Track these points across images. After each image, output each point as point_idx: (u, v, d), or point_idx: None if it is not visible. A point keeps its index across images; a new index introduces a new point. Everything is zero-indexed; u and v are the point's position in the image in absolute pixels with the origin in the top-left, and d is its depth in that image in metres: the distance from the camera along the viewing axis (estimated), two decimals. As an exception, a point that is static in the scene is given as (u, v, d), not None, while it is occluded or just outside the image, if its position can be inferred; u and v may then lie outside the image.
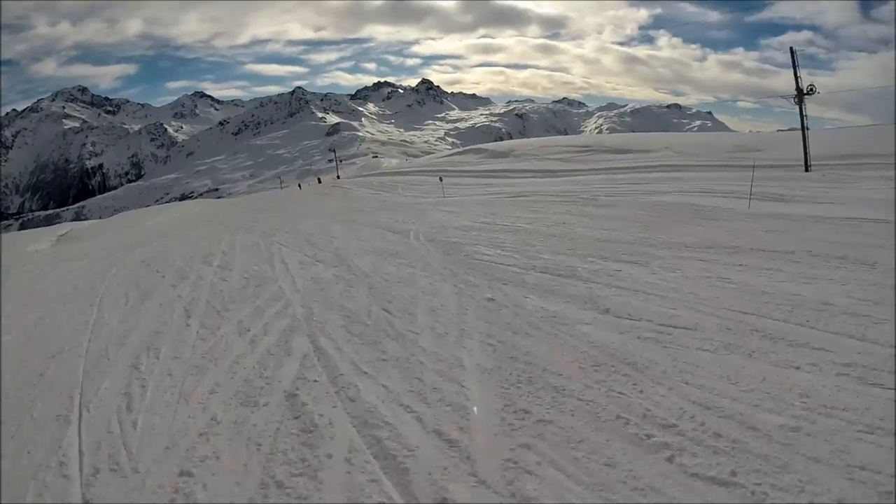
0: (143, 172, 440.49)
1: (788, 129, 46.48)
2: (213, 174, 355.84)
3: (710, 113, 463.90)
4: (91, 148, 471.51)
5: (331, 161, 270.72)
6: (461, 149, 69.28)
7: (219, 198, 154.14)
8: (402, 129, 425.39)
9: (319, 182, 79.03)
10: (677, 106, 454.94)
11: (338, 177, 79.42)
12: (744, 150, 34.10)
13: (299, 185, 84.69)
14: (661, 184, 23.66)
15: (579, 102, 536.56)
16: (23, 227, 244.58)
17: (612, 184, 25.68)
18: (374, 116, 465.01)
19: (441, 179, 30.12)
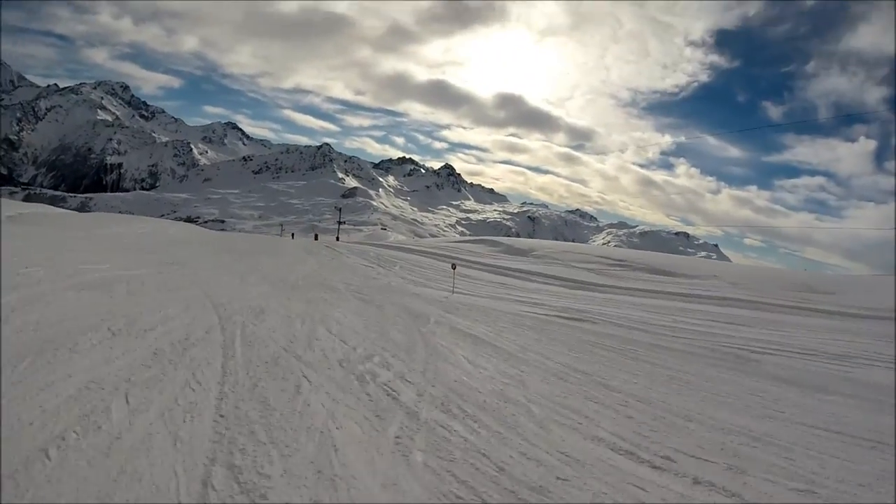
0: (157, 184, 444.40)
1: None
2: (223, 205, 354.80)
3: (716, 245, 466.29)
4: (116, 145, 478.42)
5: (340, 222, 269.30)
6: (473, 237, 63.77)
7: (221, 230, 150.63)
8: (415, 208, 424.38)
9: (315, 239, 75.09)
10: (685, 234, 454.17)
11: (337, 238, 75.38)
12: (812, 290, 28.32)
13: (292, 235, 79.86)
14: (745, 327, 17.47)
15: (591, 216, 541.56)
16: (27, 199, 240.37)
17: (685, 315, 19.26)
18: (391, 189, 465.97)
19: (454, 267, 24.00)
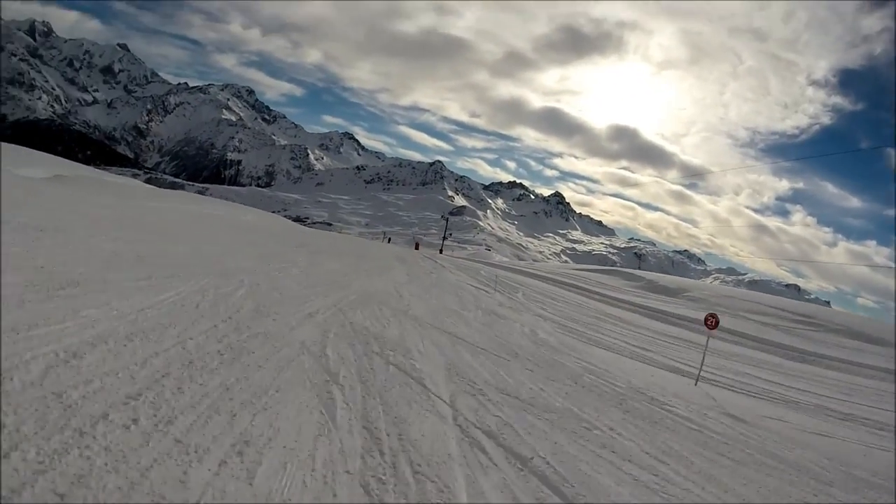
0: (272, 183, 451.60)
1: None
2: (332, 209, 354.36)
3: (828, 302, 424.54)
4: (237, 143, 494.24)
5: (446, 236, 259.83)
6: (599, 267, 50.83)
7: (328, 229, 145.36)
8: (521, 233, 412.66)
9: (416, 248, 67.65)
10: (796, 287, 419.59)
11: (440, 251, 69.79)
12: None
13: (388, 239, 72.53)
14: None
15: (699, 258, 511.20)
16: (149, 181, 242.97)
17: None
18: (499, 212, 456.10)
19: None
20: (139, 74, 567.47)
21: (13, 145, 47.84)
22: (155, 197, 31.71)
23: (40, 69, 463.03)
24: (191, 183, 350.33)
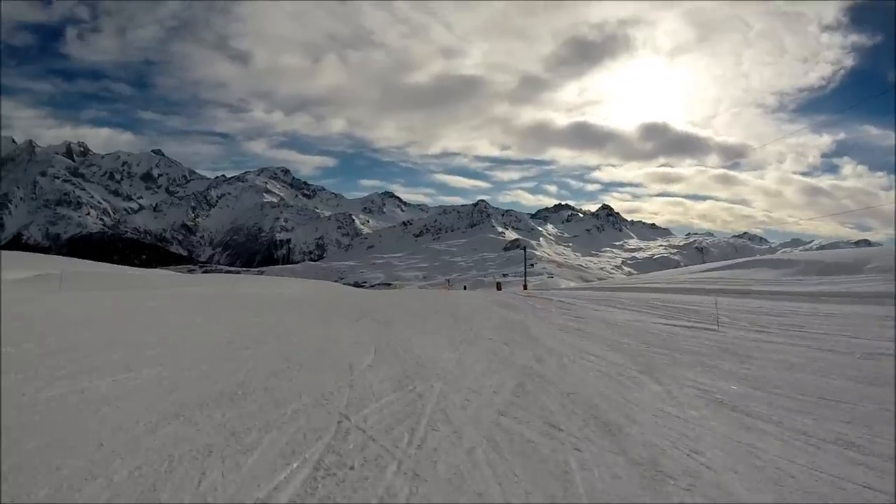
0: (325, 254, 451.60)
1: None
2: (387, 269, 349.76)
3: None
4: (283, 223, 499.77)
5: (505, 275, 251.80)
6: (736, 261, 40.64)
7: (387, 288, 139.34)
8: (578, 253, 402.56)
9: (499, 289, 59.20)
10: (867, 242, 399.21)
11: (525, 287, 60.39)
12: None
13: (464, 287, 64.88)
14: None
15: (760, 238, 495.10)
16: (205, 272, 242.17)
17: None
18: (552, 237, 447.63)
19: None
20: (178, 175, 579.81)
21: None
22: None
23: (84, 187, 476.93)
24: (246, 269, 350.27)
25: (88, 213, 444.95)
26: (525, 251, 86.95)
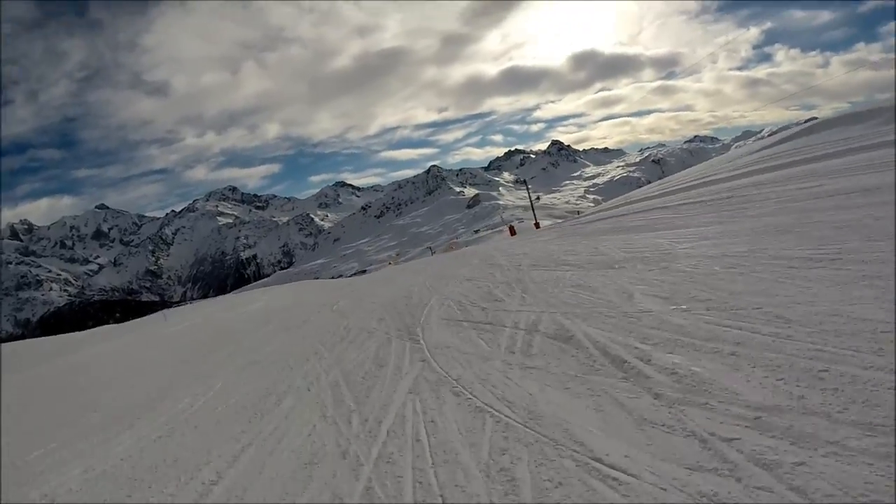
0: (293, 260, 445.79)
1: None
2: (359, 256, 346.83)
3: None
4: (244, 241, 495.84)
5: (477, 231, 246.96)
6: (798, 127, 34.62)
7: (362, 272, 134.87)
8: (540, 193, 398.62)
9: (512, 233, 53.40)
10: (814, 119, 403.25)
11: (537, 224, 54.89)
12: None
13: (431, 251, 59.92)
14: None
15: (711, 138, 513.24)
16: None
17: None
18: (510, 185, 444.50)
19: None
20: (128, 224, 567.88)
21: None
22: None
23: (39, 263, 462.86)
24: (222, 297, 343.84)
25: (51, 289, 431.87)
26: (527, 185, 79.99)
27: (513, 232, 54.42)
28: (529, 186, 73.98)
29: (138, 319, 44.28)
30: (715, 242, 10.52)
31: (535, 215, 65.11)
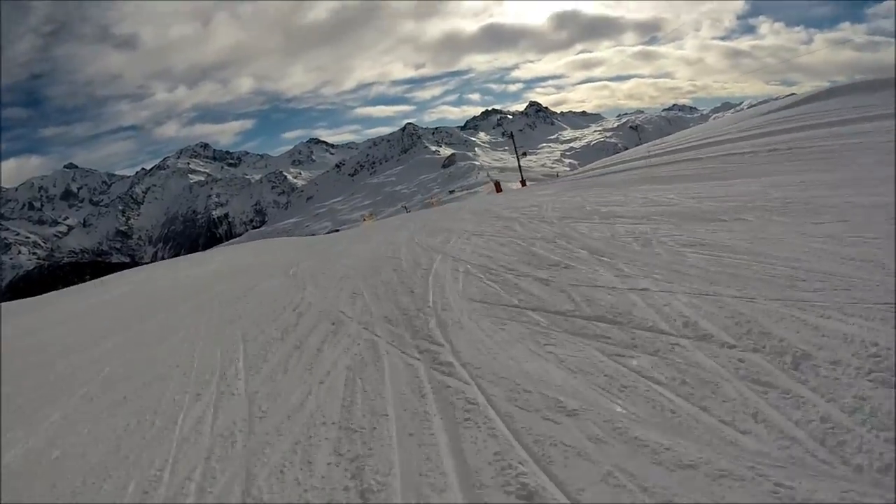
0: (266, 219, 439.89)
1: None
2: (332, 216, 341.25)
3: None
4: (216, 199, 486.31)
5: (452, 191, 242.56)
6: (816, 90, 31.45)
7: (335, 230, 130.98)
8: (524, 149, 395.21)
9: (498, 189, 48.51)
10: (794, 95, 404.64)
11: (523, 182, 50.84)
12: None
13: (405, 208, 55.52)
14: None
15: (690, 107, 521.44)
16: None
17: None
18: (486, 145, 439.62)
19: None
20: (97, 183, 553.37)
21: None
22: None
23: (6, 227, 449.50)
24: (178, 257, 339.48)
25: (20, 252, 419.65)
26: (513, 138, 73.75)
27: (499, 188, 49.56)
28: (517, 145, 67.69)
29: (54, 293, 39.37)
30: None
31: (521, 172, 59.82)
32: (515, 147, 65.83)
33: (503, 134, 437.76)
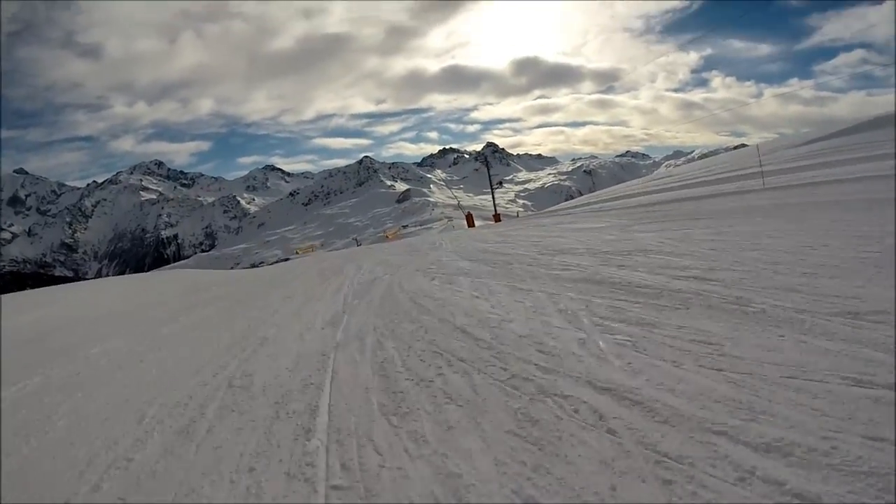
0: (215, 243, 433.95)
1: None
2: (283, 244, 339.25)
3: None
4: (167, 218, 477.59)
5: (405, 226, 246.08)
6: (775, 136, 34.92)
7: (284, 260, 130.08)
8: (471, 194, 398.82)
9: (470, 223, 47.70)
10: (744, 146, 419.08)
11: (497, 217, 48.10)
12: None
13: (357, 242, 59.42)
14: None
15: (643, 154, 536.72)
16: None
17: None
18: (442, 182, 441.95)
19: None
20: (46, 192, 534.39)
21: None
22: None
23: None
24: (138, 275, 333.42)
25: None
26: (489, 167, 73.34)
27: (471, 222, 48.55)
28: (491, 180, 65.61)
29: None
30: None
31: (495, 206, 56.95)
32: (490, 179, 65.13)
33: (457, 175, 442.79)
